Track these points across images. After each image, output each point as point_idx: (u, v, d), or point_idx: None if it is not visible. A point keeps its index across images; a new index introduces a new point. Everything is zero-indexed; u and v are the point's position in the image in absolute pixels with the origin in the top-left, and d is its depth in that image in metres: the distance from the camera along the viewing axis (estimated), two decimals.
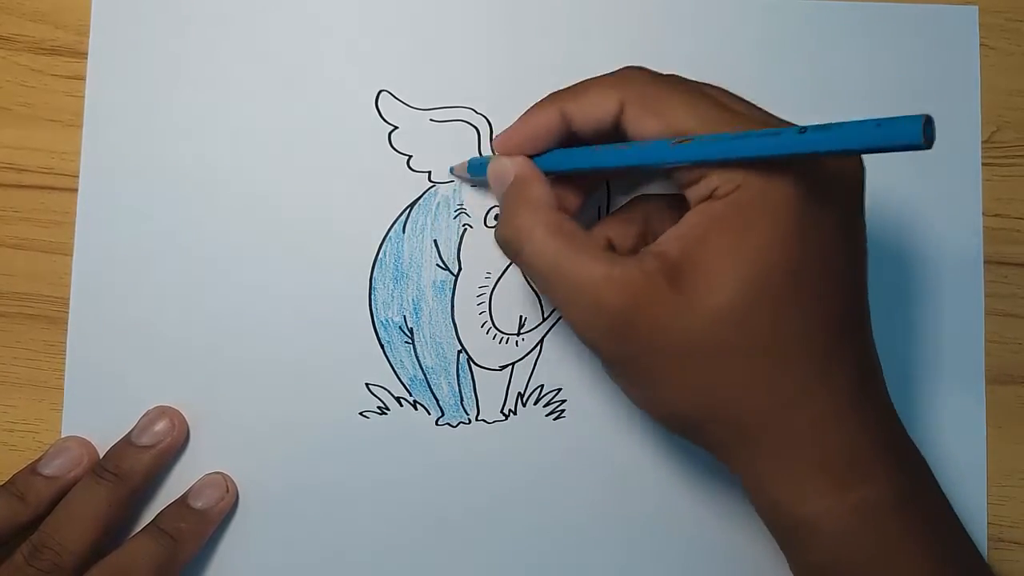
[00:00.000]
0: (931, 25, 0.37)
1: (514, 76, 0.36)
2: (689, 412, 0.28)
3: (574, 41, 0.37)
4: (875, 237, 0.36)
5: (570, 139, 0.31)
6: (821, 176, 0.26)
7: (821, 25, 0.37)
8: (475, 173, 0.34)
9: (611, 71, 0.30)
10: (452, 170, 0.36)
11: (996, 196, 0.37)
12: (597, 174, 0.33)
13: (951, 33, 0.37)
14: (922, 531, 0.27)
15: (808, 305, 0.26)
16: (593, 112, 0.29)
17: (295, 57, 0.36)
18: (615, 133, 0.29)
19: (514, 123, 0.31)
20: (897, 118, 0.22)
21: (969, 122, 0.37)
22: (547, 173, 0.31)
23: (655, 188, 0.35)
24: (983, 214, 0.37)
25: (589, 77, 0.30)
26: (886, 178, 0.36)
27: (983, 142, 0.37)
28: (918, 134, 0.21)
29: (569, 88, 0.30)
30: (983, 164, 0.37)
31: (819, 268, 0.27)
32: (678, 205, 0.32)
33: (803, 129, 0.24)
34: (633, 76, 0.29)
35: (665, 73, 0.29)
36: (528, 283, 0.36)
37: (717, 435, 0.28)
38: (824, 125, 0.24)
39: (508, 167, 0.31)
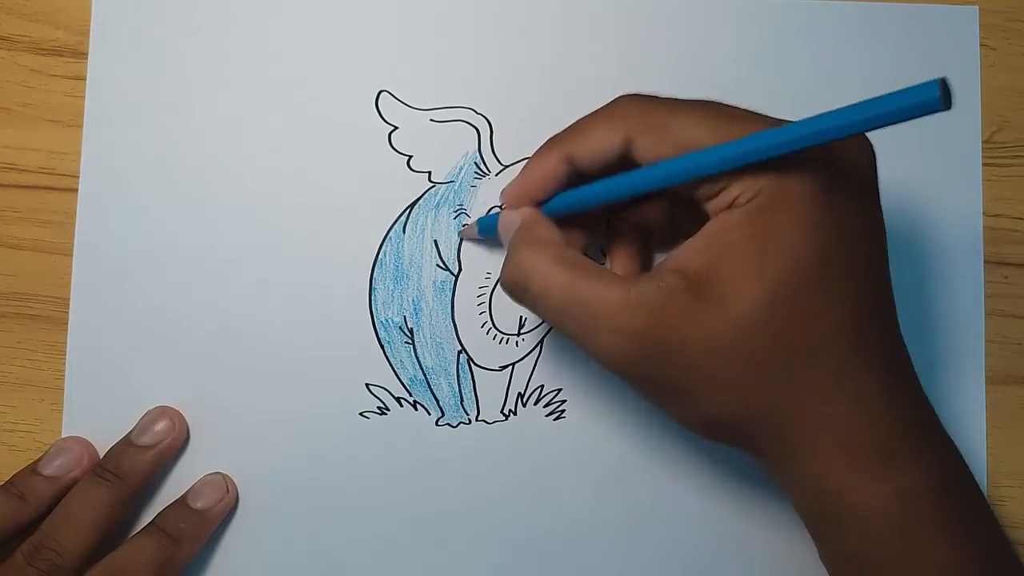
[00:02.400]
0: (931, 25, 0.37)
1: (514, 76, 0.36)
2: (727, 419, 0.28)
3: (574, 41, 0.37)
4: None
5: (576, 180, 0.30)
6: (835, 169, 0.26)
7: (821, 25, 0.37)
8: (485, 232, 0.34)
9: (605, 104, 0.30)
10: (460, 232, 0.36)
11: (996, 196, 0.37)
12: (607, 205, 0.33)
13: (951, 33, 0.37)
14: (957, 517, 0.27)
15: (836, 298, 0.26)
16: (598, 149, 0.29)
17: (295, 57, 0.36)
18: (620, 167, 0.29)
19: (519, 174, 0.31)
20: (912, 87, 0.22)
21: (969, 122, 0.37)
22: (556, 219, 0.31)
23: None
24: (983, 214, 0.37)
25: (584, 115, 0.30)
26: (886, 178, 0.36)
27: (983, 142, 0.37)
28: (935, 100, 0.21)
29: (569, 129, 0.30)
30: (983, 164, 0.37)
31: (843, 259, 0.27)
32: (671, 208, 0.32)
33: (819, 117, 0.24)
34: (631, 104, 0.29)
35: (658, 95, 0.29)
36: None
37: (755, 437, 0.28)
38: (836, 109, 0.24)
39: (515, 217, 0.31)
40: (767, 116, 0.28)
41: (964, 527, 0.27)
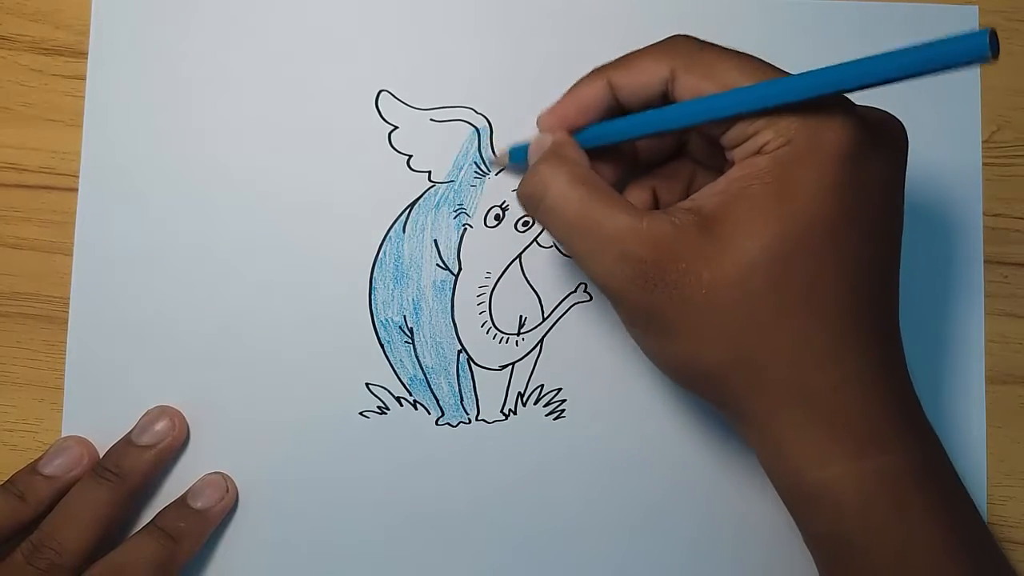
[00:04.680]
0: (931, 25, 0.37)
1: (514, 76, 0.36)
2: (710, 363, 0.27)
3: (574, 41, 0.37)
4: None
5: (614, 114, 0.30)
6: (868, 138, 0.26)
7: (821, 25, 0.37)
8: (516, 159, 0.34)
9: (657, 41, 0.29)
10: (491, 161, 0.35)
11: (996, 196, 0.37)
12: (641, 138, 0.32)
13: (951, 33, 0.37)
14: (936, 502, 0.27)
15: (844, 265, 0.26)
16: (643, 80, 0.29)
17: (295, 57, 0.36)
18: (662, 104, 0.29)
19: (559, 99, 0.31)
20: (962, 35, 0.22)
21: (969, 122, 0.37)
22: (588, 151, 0.30)
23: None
24: (983, 214, 0.37)
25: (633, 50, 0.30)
26: None
27: (983, 142, 0.37)
28: (984, 47, 0.21)
29: (616, 60, 0.30)
30: (983, 164, 0.37)
31: (860, 228, 0.26)
32: (691, 174, 0.32)
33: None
34: (681, 43, 0.29)
35: (709, 41, 0.29)
36: (528, 283, 0.36)
37: (737, 389, 0.27)
38: (884, 53, 0.24)
39: (547, 140, 0.31)
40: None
41: (949, 515, 0.27)
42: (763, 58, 0.28)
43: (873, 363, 0.27)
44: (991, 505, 0.36)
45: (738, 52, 0.28)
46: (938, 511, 0.27)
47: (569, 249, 0.29)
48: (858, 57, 0.24)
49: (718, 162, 0.29)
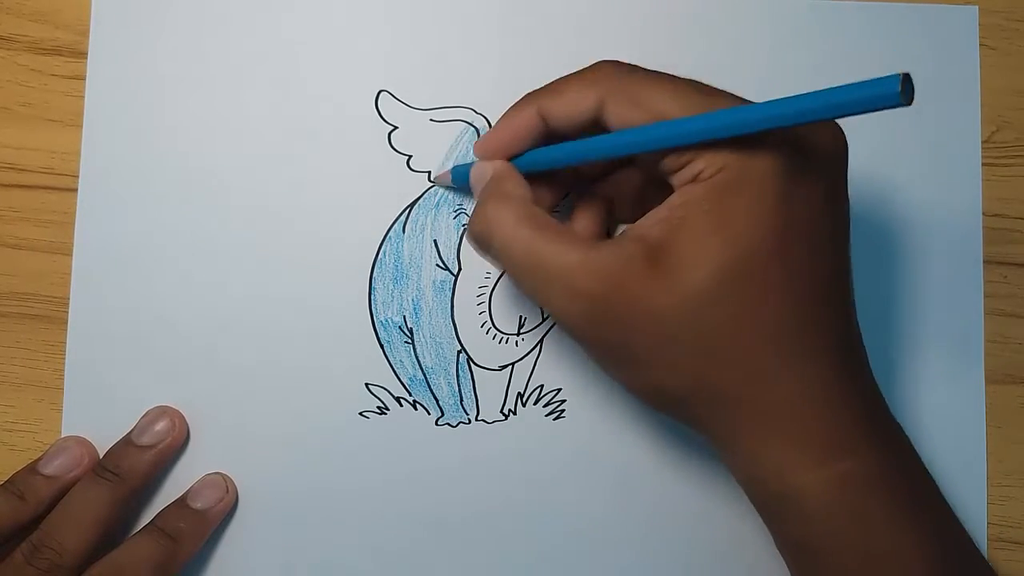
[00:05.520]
0: (931, 25, 0.37)
1: (514, 76, 0.36)
2: (673, 390, 0.28)
3: (574, 41, 0.37)
4: (875, 237, 0.36)
5: (549, 139, 0.31)
6: (802, 152, 0.26)
7: (821, 25, 0.37)
8: (459, 181, 0.34)
9: (585, 67, 0.30)
10: (433, 179, 0.36)
11: (996, 196, 0.37)
12: (577, 165, 0.33)
13: (951, 33, 0.37)
14: (904, 505, 0.27)
15: (791, 282, 0.26)
16: (572, 109, 0.29)
17: (295, 57, 0.36)
18: (593, 130, 0.29)
19: (494, 127, 0.31)
20: (875, 79, 0.22)
21: (969, 122, 0.37)
22: (527, 174, 0.31)
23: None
24: (983, 214, 0.37)
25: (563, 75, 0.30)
26: (886, 178, 0.36)
27: (983, 142, 0.37)
28: (895, 93, 0.22)
29: (546, 87, 0.30)
30: (983, 164, 0.37)
31: (802, 244, 0.27)
32: (641, 183, 0.33)
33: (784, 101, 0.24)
34: (609, 70, 0.29)
35: (638, 65, 0.29)
36: None
37: (700, 411, 0.28)
38: (803, 94, 0.24)
39: (487, 169, 0.31)
40: (741, 98, 0.28)
41: (912, 515, 0.27)
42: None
43: (833, 371, 0.27)
44: (991, 505, 0.36)
45: (668, 77, 0.28)
46: (902, 516, 0.27)
47: (521, 288, 0.29)
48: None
49: (662, 184, 0.29)
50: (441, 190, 0.36)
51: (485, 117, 0.36)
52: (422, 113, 0.36)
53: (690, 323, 0.26)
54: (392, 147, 0.36)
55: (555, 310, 0.28)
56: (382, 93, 0.36)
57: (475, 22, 0.37)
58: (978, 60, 0.37)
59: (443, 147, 0.36)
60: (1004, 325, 0.36)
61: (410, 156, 0.36)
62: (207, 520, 0.34)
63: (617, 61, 0.29)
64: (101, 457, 0.34)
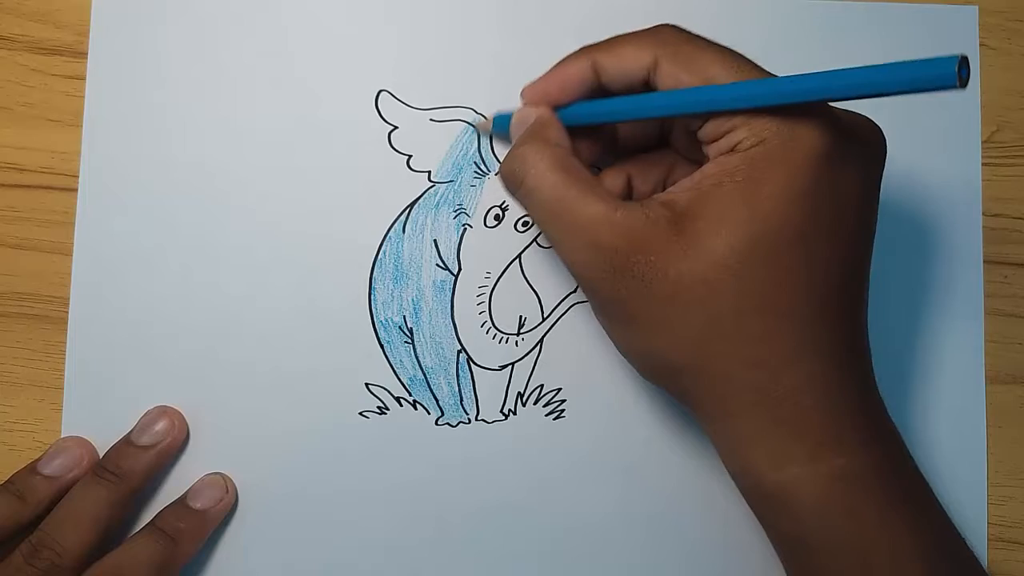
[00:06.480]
0: (931, 25, 0.37)
1: (514, 76, 0.36)
2: (674, 359, 0.27)
3: (574, 41, 0.36)
4: (875, 237, 0.36)
5: (596, 95, 0.30)
6: (843, 143, 0.26)
7: (822, 25, 0.37)
8: (500, 129, 0.34)
9: (645, 28, 0.29)
10: (475, 125, 0.36)
11: (996, 196, 0.37)
12: (621, 121, 0.33)
13: (951, 33, 0.37)
14: (897, 503, 0.27)
15: (812, 267, 0.26)
16: (626, 65, 0.29)
17: (295, 57, 0.36)
18: (643, 90, 0.29)
19: (544, 74, 0.31)
20: (932, 59, 0.22)
21: (969, 122, 0.37)
22: (570, 128, 0.31)
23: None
24: (983, 214, 0.37)
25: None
26: (885, 178, 0.36)
27: (983, 142, 0.37)
28: (951, 75, 0.21)
29: (603, 42, 0.30)
30: (983, 164, 0.37)
31: (829, 232, 0.26)
32: (669, 166, 0.32)
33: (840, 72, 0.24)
34: (667, 32, 0.29)
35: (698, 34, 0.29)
36: (528, 283, 0.36)
37: (698, 387, 0.28)
38: (858, 67, 0.24)
39: (530, 114, 0.31)
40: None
41: (906, 512, 0.27)
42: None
43: (837, 366, 0.27)
44: (991, 505, 0.36)
45: (724, 48, 0.28)
46: (895, 513, 0.27)
47: (544, 232, 0.29)
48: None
49: (698, 156, 0.29)
50: (441, 190, 0.36)
51: (485, 117, 0.36)
52: (422, 113, 0.36)
53: (703, 291, 0.26)
54: (392, 147, 0.36)
55: (574, 260, 0.28)
56: (382, 93, 0.36)
57: (475, 22, 0.37)
58: (978, 60, 0.37)
59: (443, 147, 0.36)
60: (1004, 325, 0.36)
61: (410, 156, 0.36)
62: (207, 520, 0.34)
63: (678, 26, 0.29)
64: (101, 457, 0.34)
